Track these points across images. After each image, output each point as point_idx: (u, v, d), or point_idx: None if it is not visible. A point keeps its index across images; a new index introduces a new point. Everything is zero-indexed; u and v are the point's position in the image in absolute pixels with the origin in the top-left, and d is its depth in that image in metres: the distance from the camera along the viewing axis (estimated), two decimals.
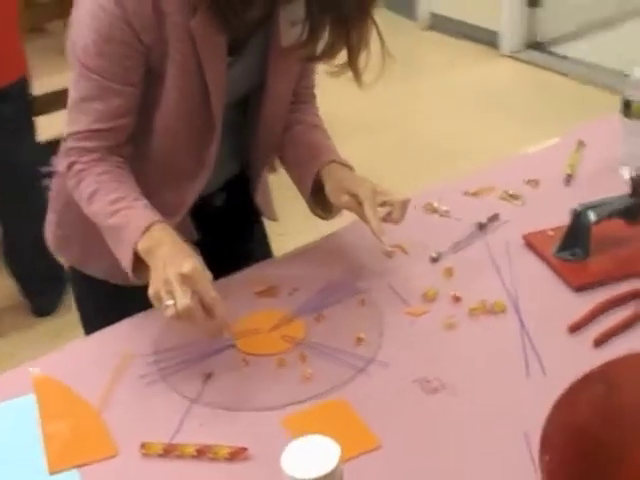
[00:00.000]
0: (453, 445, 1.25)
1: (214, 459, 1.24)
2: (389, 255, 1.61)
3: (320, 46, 1.47)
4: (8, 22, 2.90)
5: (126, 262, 1.43)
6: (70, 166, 1.51)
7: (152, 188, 1.54)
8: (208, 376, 1.40)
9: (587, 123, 2.14)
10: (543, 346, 1.40)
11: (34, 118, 3.14)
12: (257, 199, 1.78)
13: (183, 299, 1.30)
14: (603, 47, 5.14)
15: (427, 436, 1.27)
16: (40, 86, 3.13)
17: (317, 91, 1.75)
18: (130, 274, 1.43)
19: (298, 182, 1.65)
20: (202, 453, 1.24)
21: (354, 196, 1.53)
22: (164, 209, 1.50)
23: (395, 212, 1.53)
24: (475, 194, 1.83)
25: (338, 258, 1.67)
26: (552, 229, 1.65)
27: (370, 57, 1.46)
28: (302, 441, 1.05)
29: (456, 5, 5.59)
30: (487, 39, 5.41)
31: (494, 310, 1.49)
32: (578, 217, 1.58)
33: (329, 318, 1.51)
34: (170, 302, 1.31)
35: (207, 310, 1.33)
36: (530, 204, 1.79)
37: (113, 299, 1.70)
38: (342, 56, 1.47)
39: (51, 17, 4.40)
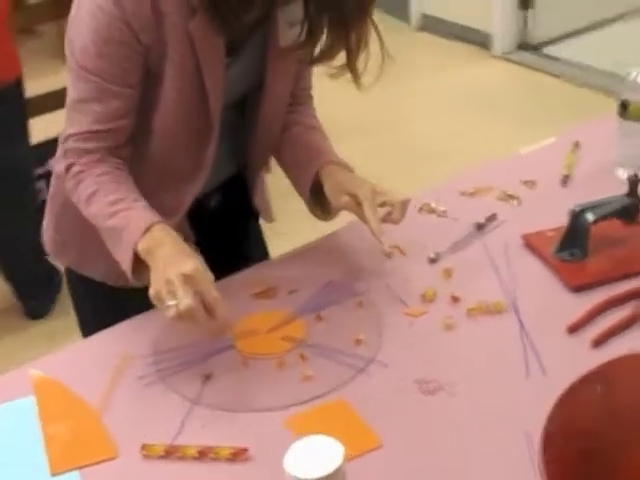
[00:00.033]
0: (454, 445, 1.25)
1: (215, 460, 1.24)
2: (388, 256, 1.62)
3: (319, 47, 1.47)
4: None
5: (126, 263, 1.42)
6: (68, 168, 1.51)
7: (150, 189, 1.53)
8: (208, 377, 1.40)
9: (582, 124, 2.15)
10: (542, 346, 1.40)
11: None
12: (255, 200, 1.78)
13: (185, 299, 1.30)
14: (595, 48, 5.16)
15: (428, 436, 1.27)
16: (30, 88, 3.12)
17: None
18: (129, 275, 1.43)
19: (297, 183, 1.65)
20: (204, 454, 1.24)
21: (353, 197, 1.54)
22: (162, 210, 1.49)
23: (395, 212, 1.53)
24: (472, 194, 1.83)
25: (336, 259, 1.67)
26: (550, 229, 1.65)
27: (370, 58, 1.47)
28: (305, 441, 1.05)
29: (448, 6, 5.59)
30: (479, 40, 5.41)
31: (493, 310, 1.49)
32: (576, 217, 1.58)
33: (328, 319, 1.51)
34: (172, 302, 1.31)
35: (209, 310, 1.33)
36: (527, 205, 1.79)
37: (111, 301, 1.70)
38: (341, 57, 1.47)
39: (42, 19, 4.40)
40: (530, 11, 5.35)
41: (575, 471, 1.09)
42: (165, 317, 1.34)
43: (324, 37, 1.46)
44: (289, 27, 1.50)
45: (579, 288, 1.52)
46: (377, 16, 1.47)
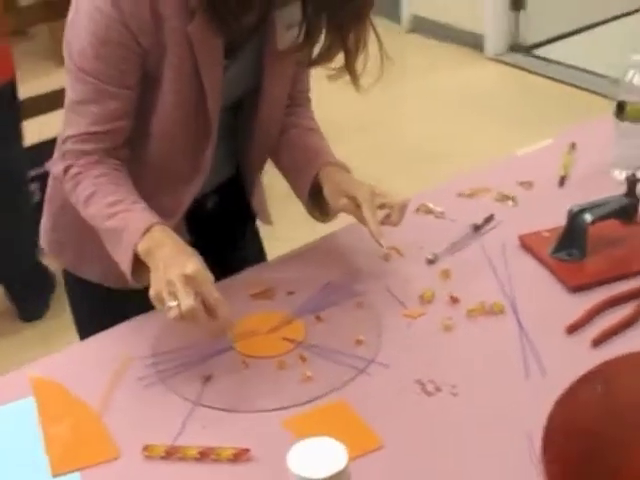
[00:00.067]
0: (454, 445, 1.25)
1: (217, 461, 1.24)
2: (387, 257, 1.62)
3: (317, 49, 1.48)
4: None
5: (125, 264, 1.42)
6: (67, 169, 1.50)
7: (149, 191, 1.53)
8: (207, 378, 1.40)
9: (578, 125, 2.15)
10: (542, 346, 1.41)
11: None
12: (252, 202, 1.78)
13: (187, 300, 1.30)
14: (586, 50, 5.17)
15: (428, 436, 1.27)
16: (23, 90, 3.11)
17: None
18: (129, 276, 1.43)
19: (295, 186, 1.65)
20: (205, 455, 1.24)
21: (352, 198, 1.53)
22: (160, 212, 1.49)
23: (394, 215, 1.53)
24: (470, 195, 1.83)
25: (334, 260, 1.67)
26: (547, 230, 1.65)
27: (369, 59, 1.47)
28: (306, 442, 1.05)
29: (439, 8, 5.58)
30: (471, 42, 5.42)
31: (492, 311, 1.49)
32: (575, 218, 1.58)
33: (327, 320, 1.51)
34: (173, 303, 1.31)
35: (210, 311, 1.33)
36: (524, 205, 1.79)
37: (107, 302, 1.70)
38: (340, 59, 1.48)
39: (34, 21, 4.38)
40: (522, 12, 5.36)
41: (576, 471, 1.09)
42: (164, 318, 1.34)
43: (322, 39, 1.46)
44: (287, 29, 1.50)
45: (578, 288, 1.53)
46: None
